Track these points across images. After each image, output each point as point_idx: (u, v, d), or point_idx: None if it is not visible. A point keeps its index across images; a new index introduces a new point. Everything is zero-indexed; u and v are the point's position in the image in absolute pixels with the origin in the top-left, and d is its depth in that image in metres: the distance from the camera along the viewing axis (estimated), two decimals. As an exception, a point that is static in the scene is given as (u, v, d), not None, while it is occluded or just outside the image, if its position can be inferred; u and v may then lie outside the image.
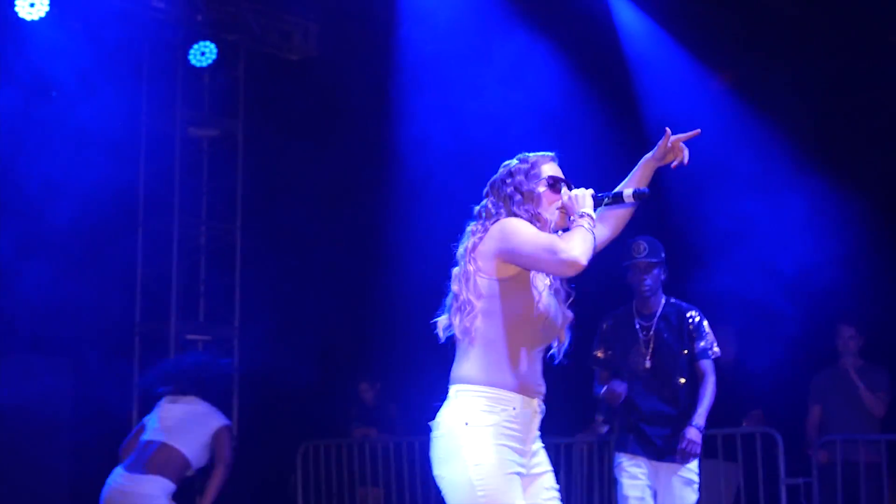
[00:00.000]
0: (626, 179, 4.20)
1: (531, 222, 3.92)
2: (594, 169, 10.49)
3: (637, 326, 6.41)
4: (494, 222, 3.93)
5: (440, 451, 3.78)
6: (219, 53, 11.11)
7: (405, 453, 9.70)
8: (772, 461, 8.20)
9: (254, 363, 11.52)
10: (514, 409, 3.78)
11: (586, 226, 3.82)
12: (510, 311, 3.84)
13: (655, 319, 6.38)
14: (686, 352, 6.35)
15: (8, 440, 9.60)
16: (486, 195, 4.08)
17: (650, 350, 6.32)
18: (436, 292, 11.85)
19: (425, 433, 10.28)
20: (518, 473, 3.80)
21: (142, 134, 11.19)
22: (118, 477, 6.89)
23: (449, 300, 3.99)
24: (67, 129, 9.93)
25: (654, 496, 6.28)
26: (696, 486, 6.22)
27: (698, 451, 6.16)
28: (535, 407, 3.86)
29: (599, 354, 6.52)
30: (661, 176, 10.40)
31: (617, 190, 4.14)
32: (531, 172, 4.02)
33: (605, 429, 7.37)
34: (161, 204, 11.22)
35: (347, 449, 10.04)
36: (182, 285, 11.31)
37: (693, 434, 6.12)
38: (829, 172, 9.72)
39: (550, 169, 4.05)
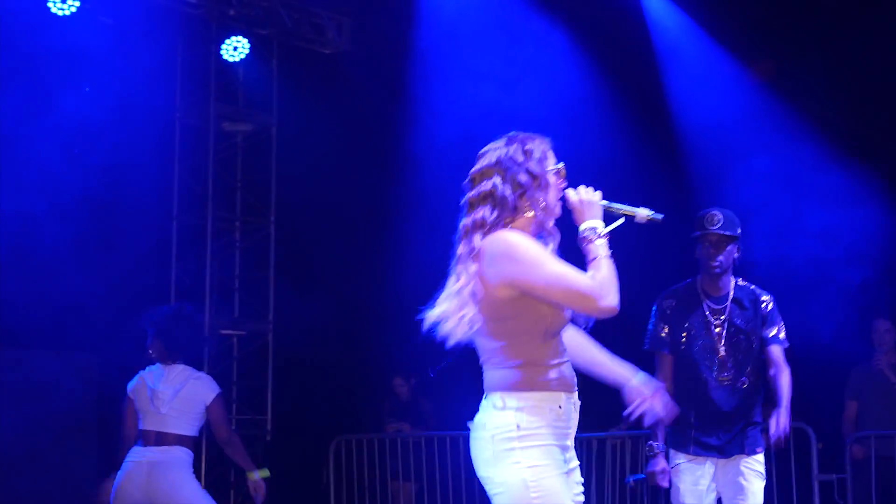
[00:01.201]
0: (602, 364, 3.96)
1: (538, 211, 3.74)
2: (618, 163, 10.57)
3: (706, 310, 5.77)
4: (516, 220, 3.74)
5: (488, 453, 3.67)
6: (252, 48, 11.14)
7: (437, 449, 9.70)
8: (805, 457, 8.16)
9: (288, 358, 11.56)
10: (560, 407, 3.71)
11: (607, 255, 3.65)
12: (530, 317, 3.69)
13: (728, 303, 5.75)
14: (759, 337, 5.76)
15: (35, 437, 9.64)
16: (491, 174, 3.77)
17: (723, 338, 5.71)
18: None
19: (458, 429, 10.29)
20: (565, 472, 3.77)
21: (176, 129, 11.25)
22: (141, 452, 6.62)
23: (452, 303, 3.75)
24: (100, 125, 9.97)
25: (718, 498, 5.81)
26: (764, 480, 5.77)
27: (782, 445, 5.68)
28: (576, 400, 3.80)
29: (664, 334, 5.83)
30: (693, 173, 10.43)
31: (629, 208, 3.91)
32: (543, 156, 3.78)
33: (657, 447, 6.44)
34: (195, 199, 11.27)
35: (380, 444, 10.05)
36: (216, 280, 11.36)
37: (785, 426, 5.56)
38: (865, 165, 9.65)
39: (553, 157, 3.82)
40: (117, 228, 10.09)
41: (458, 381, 11.16)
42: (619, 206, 3.88)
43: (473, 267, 3.68)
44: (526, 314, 3.66)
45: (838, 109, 9.89)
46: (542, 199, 3.73)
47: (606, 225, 3.77)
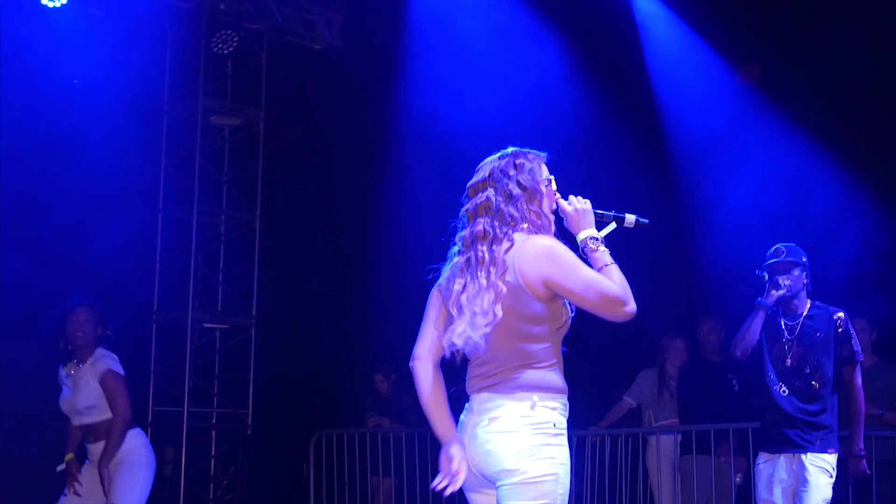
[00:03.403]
0: (442, 412, 4.04)
1: (531, 220, 3.94)
2: (606, 163, 10.61)
3: (782, 325, 6.56)
4: (515, 230, 3.92)
5: (522, 446, 3.79)
6: (241, 42, 11.15)
7: (418, 444, 9.72)
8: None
9: (270, 352, 11.57)
10: (567, 408, 3.94)
11: (614, 262, 3.90)
12: (554, 323, 3.90)
13: (801, 319, 6.55)
14: (831, 354, 6.49)
15: (17, 426, 9.62)
16: (484, 186, 3.99)
17: (792, 349, 6.49)
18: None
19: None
20: None
21: (163, 122, 11.25)
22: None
23: (474, 307, 3.86)
24: (88, 117, 9.97)
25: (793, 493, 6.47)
26: (832, 478, 6.39)
27: (862, 474, 6.57)
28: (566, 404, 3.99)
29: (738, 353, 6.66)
30: (680, 173, 10.48)
31: (617, 214, 4.15)
32: (534, 169, 4.00)
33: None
34: (181, 192, 11.27)
35: (360, 438, 10.06)
36: (200, 274, 11.36)
37: (859, 464, 6.53)
38: (851, 166, 9.73)
39: (546, 170, 4.05)
40: (102, 220, 10.07)
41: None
42: (608, 213, 4.11)
43: (495, 272, 3.83)
44: (552, 317, 3.86)
45: (825, 112, 9.95)
46: (535, 209, 3.93)
47: (599, 231, 4.01)
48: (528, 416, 3.81)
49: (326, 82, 11.46)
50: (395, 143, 11.15)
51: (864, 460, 6.57)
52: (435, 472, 9.93)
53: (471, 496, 4.06)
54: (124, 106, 10.29)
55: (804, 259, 6.59)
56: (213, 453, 11.45)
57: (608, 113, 10.52)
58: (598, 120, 10.53)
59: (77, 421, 6.91)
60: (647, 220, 4.14)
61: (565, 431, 3.88)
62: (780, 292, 6.52)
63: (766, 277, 6.62)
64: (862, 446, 6.55)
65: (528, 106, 10.46)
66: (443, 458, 3.98)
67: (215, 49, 11.09)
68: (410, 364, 4.04)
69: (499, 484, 3.85)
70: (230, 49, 11.07)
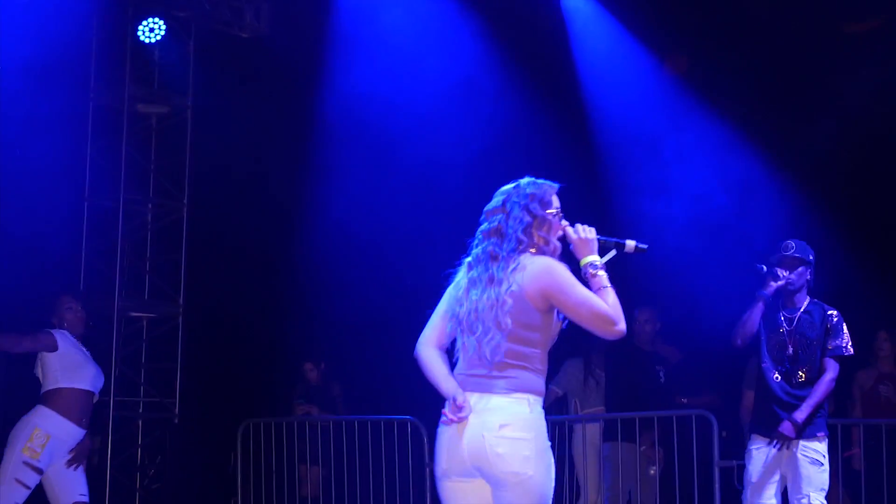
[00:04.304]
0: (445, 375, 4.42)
1: (538, 245, 4.34)
2: (532, 153, 10.69)
3: (781, 318, 6.91)
4: (522, 253, 4.31)
5: (529, 451, 4.20)
6: (168, 30, 11.09)
7: (346, 433, 9.75)
8: (706, 444, 8.32)
9: (198, 341, 11.53)
10: None
11: (610, 286, 4.30)
12: (547, 333, 4.32)
13: (799, 313, 6.91)
14: (821, 345, 6.87)
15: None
16: (496, 213, 4.40)
17: (789, 340, 6.85)
18: (384, 274, 11.87)
19: (368, 413, 10.32)
20: None
21: (89, 109, 11.14)
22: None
23: (473, 319, 4.31)
24: (13, 106, 9.86)
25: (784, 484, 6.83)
26: (824, 467, 6.72)
27: (789, 439, 6.75)
28: None
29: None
30: (606, 163, 10.59)
31: (618, 241, 4.54)
32: (544, 200, 4.37)
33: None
34: (107, 180, 11.18)
35: (288, 428, 10.06)
36: (127, 262, 11.29)
37: (786, 428, 6.74)
38: (773, 155, 9.89)
39: (556, 200, 4.41)
40: (26, 209, 9.97)
41: (367, 366, 11.26)
42: (610, 240, 4.51)
43: (503, 290, 4.26)
44: (547, 327, 4.30)
45: (750, 103, 10.10)
46: (543, 235, 4.35)
47: (601, 257, 4.43)
48: (532, 421, 4.23)
49: (254, 70, 11.44)
50: (324, 131, 11.16)
51: (794, 428, 6.75)
52: (362, 461, 9.97)
53: (446, 483, 4.35)
54: (48, 93, 10.18)
55: (811, 258, 6.91)
56: (139, 442, 11.40)
57: (535, 102, 10.61)
58: (525, 109, 10.61)
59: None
60: (645, 246, 4.55)
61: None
62: (779, 283, 6.84)
63: (765, 269, 6.92)
64: (804, 416, 6.75)
65: (456, 94, 10.53)
66: (451, 406, 4.29)
67: (142, 37, 11.02)
68: (416, 348, 4.47)
69: (500, 482, 4.20)
70: (158, 37, 11.01)
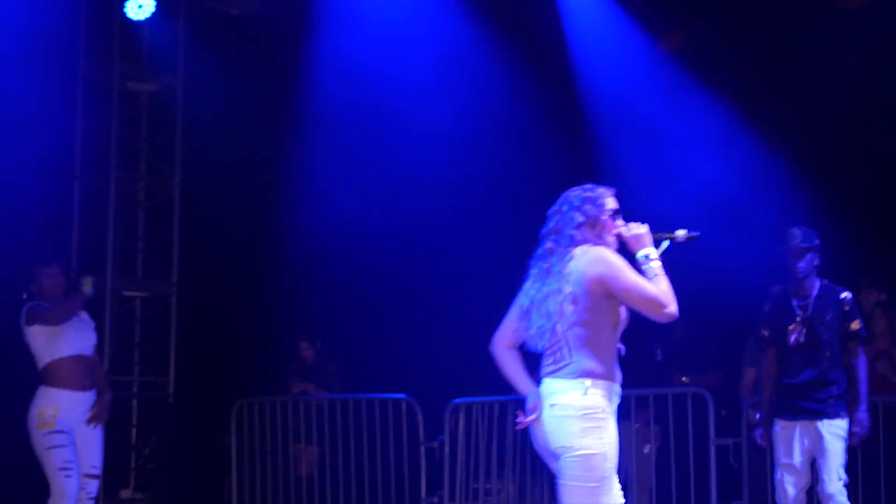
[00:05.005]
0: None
1: (595, 243, 4.66)
2: (525, 130, 10.64)
3: (795, 305, 7.03)
4: (579, 245, 4.65)
5: (576, 427, 4.49)
6: (158, 7, 11.01)
7: (340, 412, 9.72)
8: (702, 421, 8.31)
9: (191, 320, 11.49)
10: (616, 395, 4.64)
11: (663, 273, 4.61)
12: (608, 318, 4.60)
13: (812, 299, 7.02)
14: (840, 329, 7.00)
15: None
16: (555, 214, 4.76)
17: (806, 327, 6.96)
18: (381, 253, 11.82)
19: (363, 391, 10.28)
20: None
21: (79, 88, 11.07)
22: None
23: (537, 310, 4.64)
24: (2, 85, 9.78)
25: (811, 459, 6.96)
26: (845, 441, 6.88)
27: (866, 434, 7.04)
28: (618, 391, 4.70)
29: (765, 333, 7.18)
30: (599, 140, 10.55)
31: (669, 232, 4.86)
32: (598, 202, 4.74)
33: (757, 416, 7.61)
34: (98, 158, 11.13)
35: (283, 407, 10.03)
36: (119, 241, 11.24)
37: (865, 419, 6.99)
38: (768, 132, 9.86)
39: (613, 202, 4.77)
40: (18, 187, 9.91)
41: (363, 345, 11.22)
42: (663, 234, 4.83)
43: (560, 280, 4.61)
44: (609, 313, 4.60)
45: (745, 80, 10.06)
46: (596, 233, 4.70)
47: (657, 248, 4.74)
48: (581, 401, 4.51)
49: (245, 47, 11.35)
50: (314, 107, 11.10)
51: (866, 424, 7.01)
52: (357, 439, 9.96)
53: (549, 462, 4.72)
54: (38, 72, 10.10)
55: (816, 242, 7.01)
56: (134, 422, 11.38)
57: (526, 78, 10.57)
58: (516, 85, 10.56)
59: None
60: (697, 233, 4.88)
61: (612, 414, 4.57)
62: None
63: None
64: (866, 413, 7.01)
65: (446, 70, 10.47)
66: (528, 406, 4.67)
67: (131, 14, 10.94)
68: (491, 348, 4.78)
69: (555, 455, 4.56)
70: (147, 14, 10.93)
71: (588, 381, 4.55)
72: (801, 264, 6.97)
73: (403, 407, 9.42)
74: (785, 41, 9.88)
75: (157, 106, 11.61)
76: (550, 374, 4.61)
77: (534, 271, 4.76)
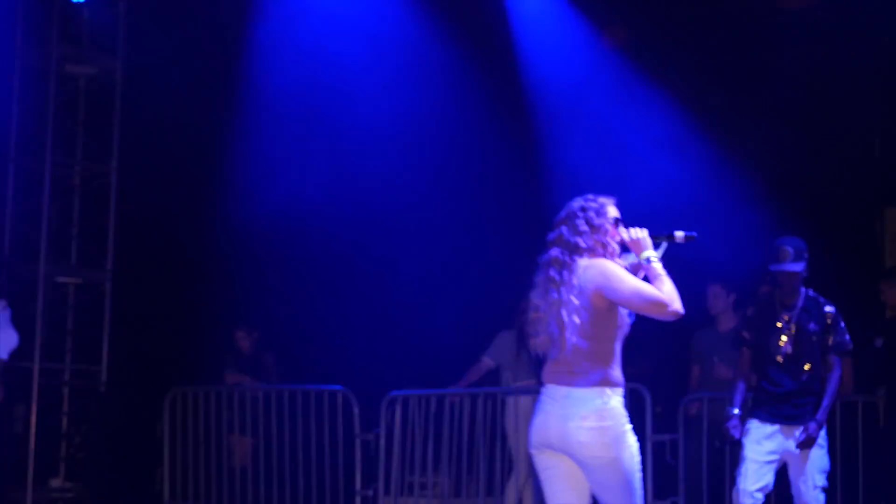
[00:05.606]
0: None
1: (596, 249, 4.84)
2: (468, 124, 10.62)
3: (780, 316, 7.07)
4: (583, 256, 4.83)
5: (608, 438, 4.68)
6: (98, -12, 10.87)
7: (275, 403, 9.64)
8: (638, 417, 8.30)
9: (126, 308, 11.35)
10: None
11: (665, 273, 4.80)
12: (614, 327, 4.81)
13: (797, 311, 7.06)
14: (822, 341, 7.05)
15: None
16: (560, 224, 4.92)
17: (791, 338, 7.03)
18: (320, 242, 11.75)
19: (300, 382, 10.20)
20: None
21: (15, 69, 10.88)
22: None
23: (545, 319, 4.81)
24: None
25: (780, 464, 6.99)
26: (825, 449, 6.97)
27: (815, 443, 6.91)
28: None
29: (746, 335, 7.23)
30: (543, 134, 10.54)
31: (668, 234, 5.03)
32: (600, 210, 4.91)
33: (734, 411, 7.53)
34: (34, 142, 10.95)
35: (217, 397, 9.94)
36: (53, 226, 11.07)
37: (813, 429, 6.90)
38: (708, 136, 9.88)
39: (614, 210, 4.94)
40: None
41: (299, 335, 11.15)
42: (661, 235, 5.01)
43: (566, 290, 4.78)
44: (613, 322, 4.80)
45: (690, 77, 10.09)
46: (599, 240, 4.86)
47: (656, 250, 4.93)
48: (608, 410, 4.70)
49: (187, 31, 11.20)
50: (257, 90, 11.00)
51: (818, 428, 6.93)
52: (292, 431, 9.86)
53: (538, 455, 4.87)
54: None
55: (806, 255, 6.97)
56: (65, 410, 11.21)
57: (470, 64, 10.55)
58: (462, 76, 10.53)
59: None
60: (694, 234, 5.07)
61: (628, 419, 4.76)
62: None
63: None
64: (824, 418, 6.97)
65: (390, 56, 10.43)
66: None
67: (71, -6, 10.79)
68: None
69: (588, 465, 4.73)
70: (86, -5, 10.78)
71: (608, 390, 4.73)
72: (793, 282, 7.00)
73: (339, 399, 9.35)
74: (729, 39, 9.93)
75: (95, 89, 11.43)
76: (566, 382, 4.77)
77: (540, 279, 4.91)
